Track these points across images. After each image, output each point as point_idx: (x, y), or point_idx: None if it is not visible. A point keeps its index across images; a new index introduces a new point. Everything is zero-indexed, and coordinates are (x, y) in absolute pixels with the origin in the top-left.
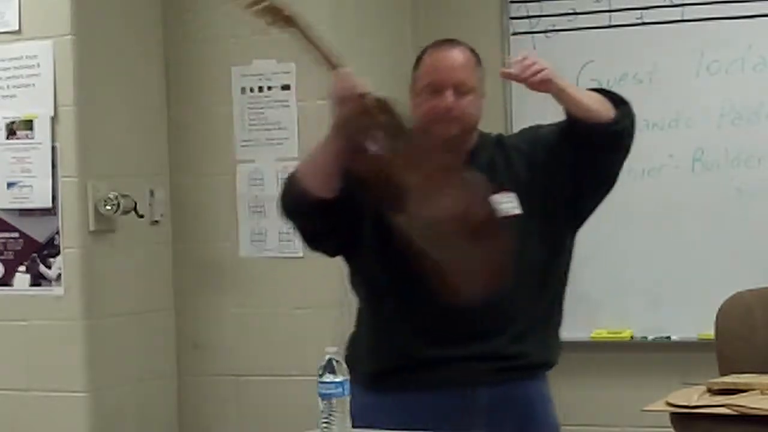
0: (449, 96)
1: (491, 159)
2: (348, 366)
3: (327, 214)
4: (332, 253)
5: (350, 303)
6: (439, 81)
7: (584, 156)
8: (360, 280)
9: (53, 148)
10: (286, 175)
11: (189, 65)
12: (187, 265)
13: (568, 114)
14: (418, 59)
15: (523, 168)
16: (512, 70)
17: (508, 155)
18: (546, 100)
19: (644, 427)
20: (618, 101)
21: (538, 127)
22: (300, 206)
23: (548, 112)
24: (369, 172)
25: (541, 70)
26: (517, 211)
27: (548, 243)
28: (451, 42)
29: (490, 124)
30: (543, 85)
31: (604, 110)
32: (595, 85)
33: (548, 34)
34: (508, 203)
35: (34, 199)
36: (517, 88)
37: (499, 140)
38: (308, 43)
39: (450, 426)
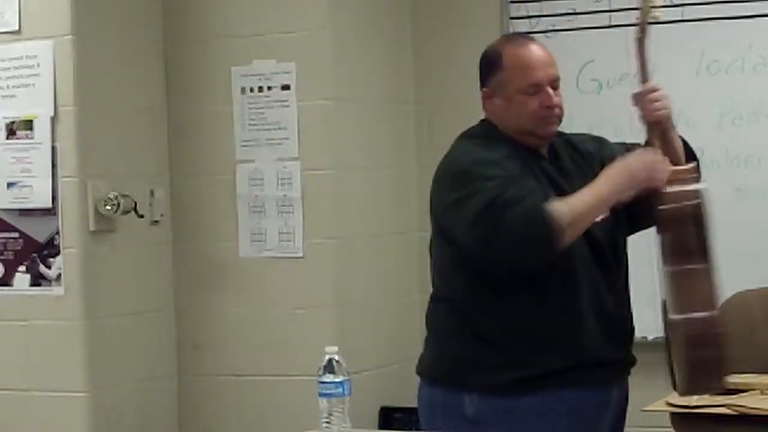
0: (553, 93)
1: (572, 159)
2: (465, 375)
3: None
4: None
5: (350, 303)
6: (539, 79)
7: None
8: (524, 285)
9: (53, 148)
10: (528, 213)
11: (189, 65)
12: (187, 265)
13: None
14: (496, 60)
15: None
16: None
17: (583, 156)
18: None
19: (644, 427)
20: (692, 157)
21: (600, 138)
22: (549, 253)
23: None
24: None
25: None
26: (606, 214)
27: (625, 248)
28: (523, 37)
29: None
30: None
31: (681, 161)
32: (595, 85)
33: (548, 34)
34: None
35: (34, 199)
36: None
37: (567, 140)
38: (640, 49)
39: (590, 423)
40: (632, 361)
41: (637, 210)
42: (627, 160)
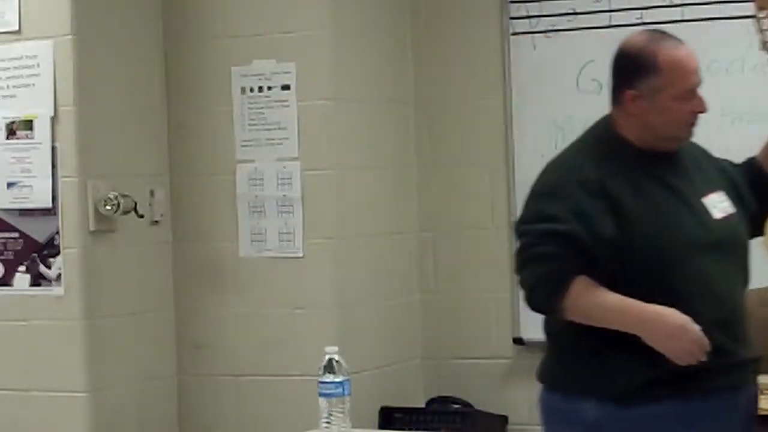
0: (703, 99)
1: (694, 158)
2: (583, 382)
3: None
4: None
5: (350, 303)
6: (695, 84)
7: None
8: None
9: (53, 148)
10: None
11: (189, 65)
12: (187, 265)
13: None
14: (651, 62)
15: (716, 172)
16: None
17: (705, 156)
18: (547, 103)
19: None
20: None
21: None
22: (545, 314)
23: (547, 116)
24: None
25: None
26: (732, 210)
27: (748, 246)
28: (669, 36)
29: (489, 128)
30: None
31: None
32: (596, 85)
33: (548, 34)
34: (725, 202)
35: (34, 199)
36: (516, 92)
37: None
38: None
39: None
40: (758, 360)
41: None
42: (674, 320)
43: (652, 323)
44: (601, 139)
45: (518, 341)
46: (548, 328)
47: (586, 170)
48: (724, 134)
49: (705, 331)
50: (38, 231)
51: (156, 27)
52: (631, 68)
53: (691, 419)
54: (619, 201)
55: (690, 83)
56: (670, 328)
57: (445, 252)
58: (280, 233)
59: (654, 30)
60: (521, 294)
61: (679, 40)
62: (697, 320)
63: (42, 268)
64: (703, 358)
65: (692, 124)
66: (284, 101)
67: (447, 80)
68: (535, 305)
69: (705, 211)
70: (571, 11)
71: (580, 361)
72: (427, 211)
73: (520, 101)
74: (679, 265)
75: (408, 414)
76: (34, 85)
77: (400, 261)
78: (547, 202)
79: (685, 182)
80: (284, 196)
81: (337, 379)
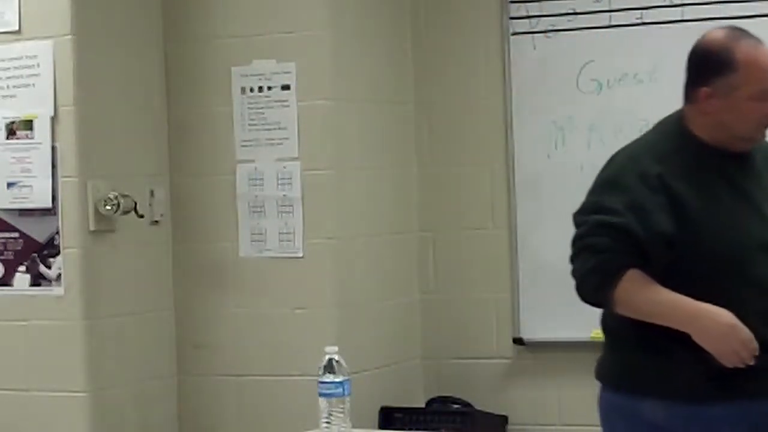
0: None
1: (765, 158)
2: (642, 380)
3: None
4: None
5: (350, 303)
6: None
7: None
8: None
9: (53, 148)
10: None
11: (189, 65)
12: (187, 265)
13: None
14: (728, 60)
15: None
16: None
17: None
18: (547, 103)
19: None
20: None
21: None
22: (594, 305)
23: (547, 116)
24: None
25: None
26: None
27: None
28: (748, 33)
29: (489, 128)
30: None
31: None
32: (595, 85)
33: (548, 34)
34: None
35: (34, 199)
36: (516, 92)
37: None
38: None
39: None
40: None
41: None
42: (725, 319)
43: (703, 321)
44: (671, 135)
45: (518, 341)
46: (606, 324)
47: (648, 164)
48: None
49: (763, 333)
50: (38, 231)
51: (156, 27)
52: (708, 65)
53: (753, 420)
54: (680, 198)
55: (766, 83)
56: (722, 327)
57: (445, 252)
58: (280, 233)
59: (733, 27)
60: (573, 283)
61: (758, 39)
62: (754, 321)
63: (42, 268)
64: (750, 362)
65: (766, 125)
66: (284, 101)
67: (447, 80)
68: (584, 296)
69: None
70: (571, 11)
71: (640, 359)
72: (427, 211)
73: (520, 101)
74: (739, 267)
75: (408, 414)
76: (34, 85)
77: (400, 261)
78: (606, 194)
79: (754, 184)
80: (284, 196)
81: (337, 379)
